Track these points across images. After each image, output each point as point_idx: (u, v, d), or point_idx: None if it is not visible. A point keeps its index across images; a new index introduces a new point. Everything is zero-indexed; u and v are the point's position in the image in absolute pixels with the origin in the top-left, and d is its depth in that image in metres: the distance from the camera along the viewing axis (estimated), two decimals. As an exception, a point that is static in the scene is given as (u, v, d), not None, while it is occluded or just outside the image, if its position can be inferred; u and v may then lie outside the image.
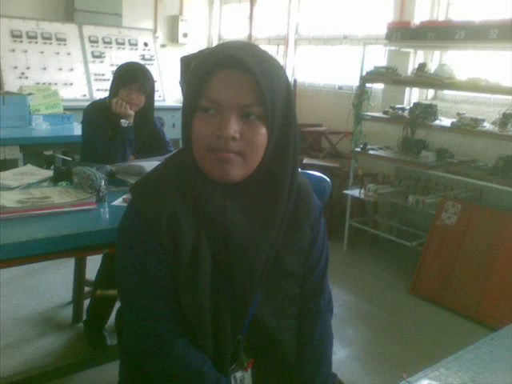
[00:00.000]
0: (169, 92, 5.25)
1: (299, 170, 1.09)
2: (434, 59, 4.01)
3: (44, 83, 4.50)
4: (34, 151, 3.48)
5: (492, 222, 3.02)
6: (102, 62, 4.96)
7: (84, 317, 2.55)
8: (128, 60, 2.77)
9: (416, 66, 3.62)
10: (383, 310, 3.04)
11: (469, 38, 3.18)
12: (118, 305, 2.16)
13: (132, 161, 2.32)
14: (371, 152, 3.66)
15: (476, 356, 1.04)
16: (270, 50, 5.22)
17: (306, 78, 5.15)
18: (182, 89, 2.89)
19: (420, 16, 3.91)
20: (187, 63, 2.74)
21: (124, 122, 2.39)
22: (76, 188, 1.85)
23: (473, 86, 3.15)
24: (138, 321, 1.03)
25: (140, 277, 1.01)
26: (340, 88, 4.78)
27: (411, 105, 3.66)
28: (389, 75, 3.59)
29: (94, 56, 4.92)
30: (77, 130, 3.28)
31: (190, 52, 3.00)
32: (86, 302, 2.55)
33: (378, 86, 4.12)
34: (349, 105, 3.84)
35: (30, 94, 3.59)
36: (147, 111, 2.49)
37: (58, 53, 4.72)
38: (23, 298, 2.81)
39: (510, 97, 3.18)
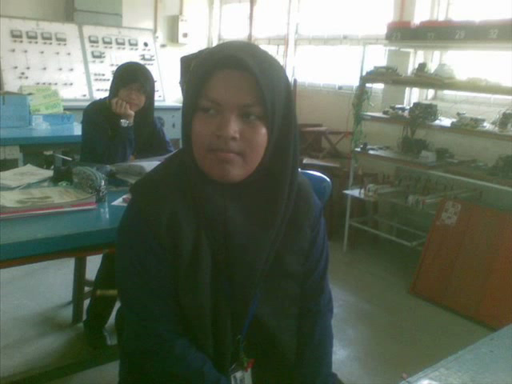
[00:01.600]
0: (169, 92, 5.25)
1: (299, 169, 1.09)
2: (434, 59, 4.01)
3: (44, 83, 4.50)
4: (34, 151, 3.48)
5: (492, 222, 3.02)
6: (102, 62, 4.96)
7: (84, 317, 2.55)
8: (128, 60, 2.77)
9: (416, 66, 3.61)
10: (383, 310, 3.04)
11: (469, 38, 3.18)
12: (118, 305, 2.16)
13: (132, 161, 2.32)
14: (371, 152, 3.66)
15: (476, 356, 1.04)
16: (270, 50, 5.22)
17: (306, 78, 5.15)
18: (182, 89, 2.89)
19: (420, 16, 3.91)
20: (187, 63, 2.74)
21: (124, 122, 2.39)
22: (76, 188, 1.86)
23: (473, 85, 3.15)
24: (137, 321, 1.03)
25: (140, 277, 1.01)
26: (340, 88, 4.78)
27: (411, 105, 3.66)
28: (389, 75, 3.59)
29: (94, 56, 4.92)
30: (77, 130, 3.28)
31: (190, 52, 3.00)
32: (86, 302, 2.55)
33: (378, 86, 4.12)
34: (349, 105, 3.84)
35: (30, 93, 3.59)
36: (147, 111, 2.49)
37: (58, 53, 4.72)
38: (23, 298, 2.81)
39: (510, 97, 3.18)
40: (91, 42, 4.93)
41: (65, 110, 3.73)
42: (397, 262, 3.70)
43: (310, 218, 1.12)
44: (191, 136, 0.98)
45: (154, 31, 5.52)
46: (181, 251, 0.98)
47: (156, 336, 1.01)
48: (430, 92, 4.13)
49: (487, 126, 3.19)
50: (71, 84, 4.74)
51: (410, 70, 3.83)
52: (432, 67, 3.50)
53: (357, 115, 3.70)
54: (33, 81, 4.50)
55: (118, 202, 1.80)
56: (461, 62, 3.80)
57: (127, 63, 2.52)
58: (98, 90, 4.81)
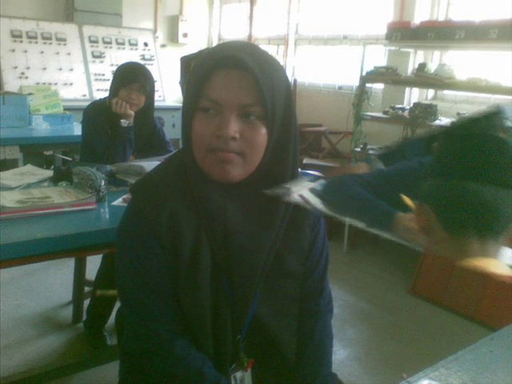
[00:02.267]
0: (169, 92, 5.25)
1: (299, 169, 1.09)
2: (434, 59, 4.01)
3: (44, 83, 4.50)
4: (34, 151, 3.48)
5: (492, 221, 3.02)
6: (101, 62, 4.96)
7: (84, 317, 2.55)
8: (128, 60, 2.77)
9: (416, 66, 3.62)
10: (383, 310, 3.03)
11: (469, 38, 3.18)
12: (118, 305, 2.15)
13: (132, 161, 2.32)
14: (371, 152, 3.66)
15: (476, 356, 1.04)
16: (270, 50, 5.23)
17: (306, 78, 5.16)
18: (182, 89, 2.88)
19: (420, 16, 3.91)
20: (187, 63, 2.73)
21: (124, 122, 2.39)
22: (76, 188, 1.85)
23: (473, 85, 3.15)
24: (137, 321, 1.03)
25: (140, 277, 1.01)
26: (340, 88, 4.78)
27: (411, 105, 3.67)
28: (389, 75, 3.59)
29: (94, 56, 4.92)
30: (77, 130, 3.28)
31: (189, 52, 3.00)
32: (86, 302, 2.55)
33: (378, 86, 4.12)
34: (349, 105, 3.84)
35: (30, 94, 3.59)
36: (147, 111, 2.49)
37: (58, 53, 4.73)
38: (23, 298, 2.81)
39: (510, 97, 3.18)
40: (91, 41, 4.94)
41: (65, 110, 3.73)
42: (397, 262, 3.70)
43: (309, 218, 1.12)
44: (191, 136, 0.98)
45: (154, 31, 5.52)
46: (181, 251, 0.98)
47: (156, 336, 1.01)
48: (430, 92, 4.13)
49: (487, 126, 3.19)
50: (71, 84, 4.74)
51: (410, 69, 3.83)
52: (432, 67, 3.50)
53: (357, 115, 3.71)
54: (33, 81, 4.50)
55: (118, 202, 1.80)
56: (461, 62, 3.80)
57: (127, 63, 2.52)
58: (98, 90, 4.81)
